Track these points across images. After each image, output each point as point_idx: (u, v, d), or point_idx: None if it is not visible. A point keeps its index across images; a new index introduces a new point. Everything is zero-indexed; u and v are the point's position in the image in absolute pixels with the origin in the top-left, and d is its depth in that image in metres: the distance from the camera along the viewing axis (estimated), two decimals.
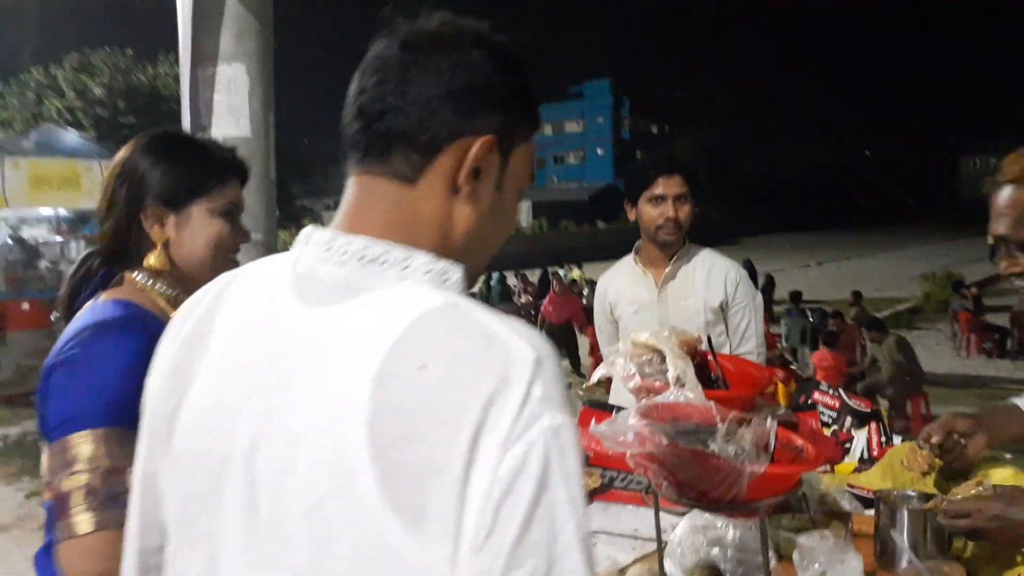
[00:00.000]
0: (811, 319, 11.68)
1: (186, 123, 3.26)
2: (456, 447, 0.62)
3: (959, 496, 1.39)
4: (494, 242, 0.83)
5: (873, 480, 1.78)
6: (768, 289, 17.37)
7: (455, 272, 0.75)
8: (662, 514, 1.57)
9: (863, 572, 1.32)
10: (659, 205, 2.47)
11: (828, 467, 1.94)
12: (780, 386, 9.08)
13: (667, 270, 2.54)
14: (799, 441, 1.51)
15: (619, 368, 1.83)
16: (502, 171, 0.80)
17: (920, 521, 1.41)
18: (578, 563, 0.63)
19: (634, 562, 1.61)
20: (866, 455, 1.93)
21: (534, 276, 18.97)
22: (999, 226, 1.38)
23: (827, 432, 2.01)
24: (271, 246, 3.76)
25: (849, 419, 1.99)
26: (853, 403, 2.02)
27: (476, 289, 14.85)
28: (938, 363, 10.37)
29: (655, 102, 76.01)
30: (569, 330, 11.05)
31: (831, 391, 2.07)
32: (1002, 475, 1.56)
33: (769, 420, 1.52)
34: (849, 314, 11.30)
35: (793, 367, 9.84)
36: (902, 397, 8.00)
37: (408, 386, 0.64)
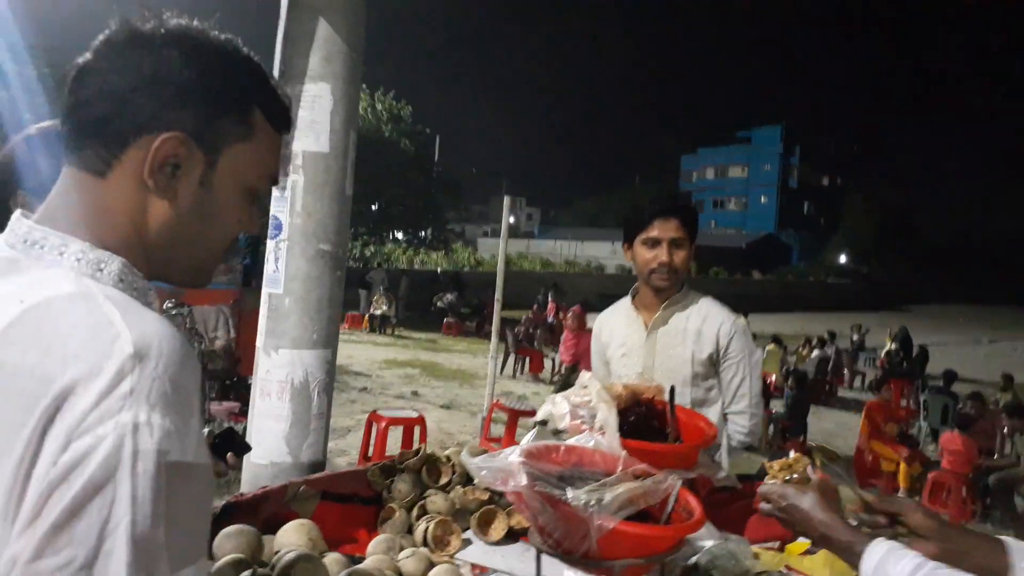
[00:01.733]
0: (956, 400, 10.62)
1: None
2: (24, 431, 0.65)
3: (773, 479, 1.39)
4: (206, 240, 0.84)
5: (816, 566, 1.62)
6: (920, 362, 16.02)
7: (111, 263, 0.77)
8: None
9: None
10: (653, 248, 2.38)
11: (777, 544, 1.78)
12: (903, 466, 8.38)
13: (658, 315, 2.44)
14: (695, 506, 1.42)
15: (557, 406, 1.79)
16: (209, 168, 0.82)
17: None
18: (122, 565, 0.62)
19: None
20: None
21: None
22: None
23: None
24: (340, 258, 3.97)
25: None
26: (814, 478, 1.84)
27: None
28: None
29: (829, 153, 72.50)
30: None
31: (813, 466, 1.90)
32: None
33: (670, 479, 1.44)
34: (1001, 399, 10.19)
35: (921, 448, 9.01)
36: None
37: None
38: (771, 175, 68.41)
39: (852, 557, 1.18)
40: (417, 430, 6.06)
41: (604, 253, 38.89)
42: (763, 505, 1.35)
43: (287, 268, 3.84)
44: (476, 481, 1.82)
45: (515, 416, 6.66)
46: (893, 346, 18.07)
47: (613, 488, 1.33)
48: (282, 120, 0.87)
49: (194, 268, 0.86)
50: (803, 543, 1.77)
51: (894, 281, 50.94)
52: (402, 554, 1.66)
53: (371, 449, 6.08)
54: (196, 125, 0.80)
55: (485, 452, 2.12)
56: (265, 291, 3.89)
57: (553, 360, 14.71)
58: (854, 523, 1.41)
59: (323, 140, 3.67)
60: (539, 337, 15.69)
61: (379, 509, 1.88)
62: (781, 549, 1.77)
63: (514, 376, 14.04)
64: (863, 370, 17.61)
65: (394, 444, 6.20)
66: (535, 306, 19.54)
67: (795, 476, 1.38)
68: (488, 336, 7.88)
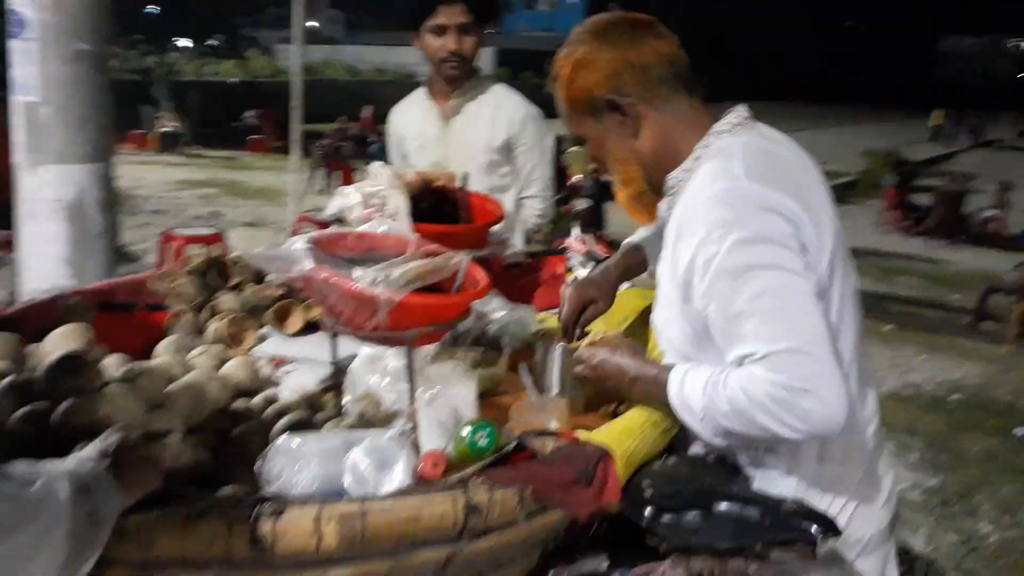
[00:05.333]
0: None
1: None
2: None
3: (584, 342, 1.45)
4: None
5: (595, 325, 1.77)
6: None
7: None
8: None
9: (475, 399, 1.33)
10: (440, 36, 2.29)
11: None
12: None
13: (451, 103, 2.40)
14: (480, 277, 1.47)
15: (348, 198, 1.75)
16: None
17: (569, 360, 1.42)
18: None
19: (323, 391, 1.59)
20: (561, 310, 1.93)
21: None
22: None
23: (570, 277, 1.98)
24: (102, 59, 3.49)
25: (591, 265, 1.97)
26: (596, 249, 1.99)
27: None
28: (857, 237, 10.56)
29: None
30: None
31: (582, 236, 2.03)
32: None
33: (459, 256, 1.47)
34: None
35: None
36: None
37: None
38: None
39: (661, 390, 1.27)
40: (218, 248, 5.80)
41: (415, 59, 37.19)
42: (579, 368, 1.40)
43: (42, 72, 3.34)
44: (267, 277, 1.78)
45: (322, 227, 6.53)
46: None
47: (401, 266, 1.35)
48: None
49: None
50: None
51: (702, 79, 53.28)
52: (193, 351, 1.62)
53: None
54: None
55: None
56: (17, 100, 3.39)
57: (364, 173, 14.36)
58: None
59: None
60: (349, 150, 15.17)
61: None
62: None
63: (323, 192, 13.64)
64: None
65: None
66: (343, 117, 18.67)
67: (604, 339, 1.43)
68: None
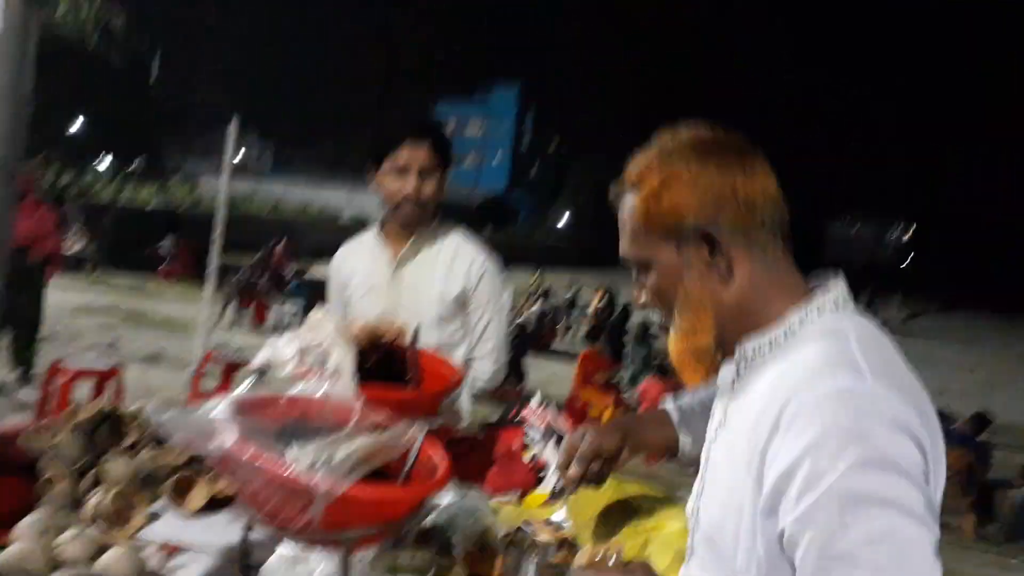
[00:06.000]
0: (651, 349, 11.86)
1: None
2: None
3: (582, 560, 1.15)
4: None
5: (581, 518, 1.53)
6: (624, 316, 17.66)
7: None
8: None
9: None
10: (401, 176, 2.14)
11: (516, 496, 1.68)
12: (608, 411, 9.14)
13: (407, 249, 2.22)
14: (437, 460, 1.23)
15: (281, 350, 1.50)
16: None
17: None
18: None
19: None
20: (558, 487, 1.68)
21: None
22: (622, 245, 1.16)
23: (527, 456, 1.75)
24: (12, 171, 3.21)
25: (552, 443, 1.75)
26: (558, 424, 1.78)
27: None
28: None
29: (564, 117, 76.83)
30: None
31: (542, 407, 1.82)
32: (671, 529, 1.33)
33: (412, 430, 1.23)
34: None
35: (624, 396, 9.90)
36: None
37: None
38: (506, 137, 70.98)
39: None
40: (113, 385, 5.28)
41: (341, 201, 37.59)
42: None
43: None
44: (170, 441, 1.49)
45: (231, 369, 6.09)
46: (601, 302, 19.75)
47: (345, 444, 1.10)
48: None
49: None
50: (541, 494, 1.69)
51: (602, 241, 55.96)
52: (61, 537, 1.29)
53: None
54: None
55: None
56: None
57: (278, 312, 13.94)
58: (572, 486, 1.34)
59: None
60: (263, 286, 14.79)
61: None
62: (520, 501, 1.67)
63: (233, 327, 13.10)
64: (574, 324, 19.10)
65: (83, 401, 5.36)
66: (261, 252, 18.38)
67: (607, 556, 1.17)
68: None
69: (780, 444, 0.94)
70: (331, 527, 1.04)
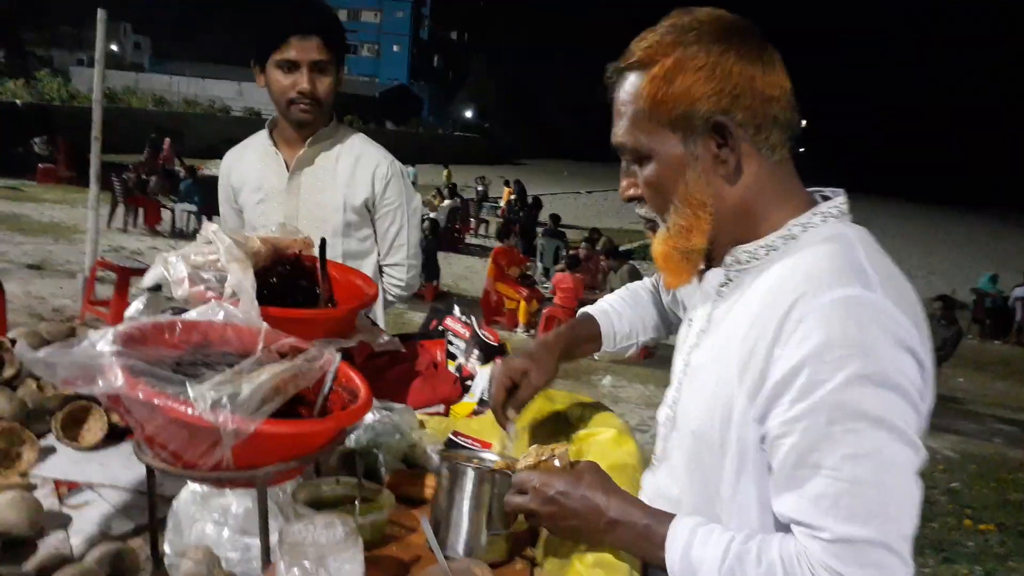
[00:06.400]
0: (565, 242, 11.97)
1: None
2: None
3: (527, 463, 1.08)
4: None
5: (484, 427, 1.48)
6: (534, 209, 17.70)
7: None
8: None
9: None
10: (291, 73, 1.94)
11: (443, 408, 1.63)
12: (522, 304, 9.25)
13: (302, 153, 2.05)
14: (358, 383, 1.15)
15: (172, 268, 1.36)
16: None
17: (488, 487, 1.09)
18: None
19: (132, 533, 1.18)
20: (486, 396, 1.64)
21: None
22: (616, 130, 1.04)
23: (452, 366, 1.70)
24: None
25: (476, 352, 1.69)
26: (483, 333, 1.72)
27: None
28: None
29: (461, 7, 73.91)
30: None
31: (464, 318, 1.76)
32: (604, 438, 1.31)
33: (327, 353, 1.14)
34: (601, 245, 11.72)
35: (538, 286, 10.03)
36: None
37: None
38: (403, 23, 67.85)
39: (651, 546, 0.97)
40: None
41: (230, 94, 35.40)
42: (516, 498, 1.05)
43: None
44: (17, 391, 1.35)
45: (126, 275, 5.75)
46: (512, 196, 19.67)
47: (252, 376, 1.00)
48: None
49: None
50: (469, 403, 1.64)
51: (511, 137, 55.29)
52: None
53: None
54: None
55: (71, 336, 1.62)
56: None
57: (172, 212, 13.24)
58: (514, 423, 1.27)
59: None
60: (154, 185, 13.95)
61: None
62: (446, 413, 1.62)
63: (125, 229, 12.40)
64: (487, 218, 19.01)
65: None
66: (148, 150, 17.25)
67: (552, 458, 1.07)
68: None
69: (781, 351, 0.89)
70: (242, 466, 0.95)
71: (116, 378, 0.92)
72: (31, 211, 12.52)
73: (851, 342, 0.86)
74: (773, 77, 0.97)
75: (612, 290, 6.20)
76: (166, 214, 13.28)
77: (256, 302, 1.25)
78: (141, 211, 12.78)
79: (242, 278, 1.28)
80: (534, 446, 1.11)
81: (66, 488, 1.28)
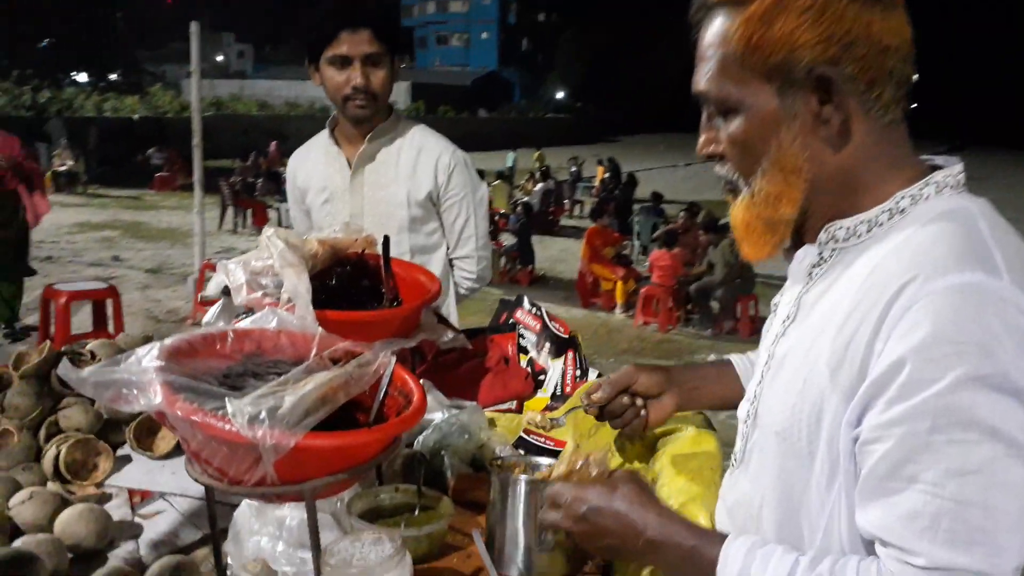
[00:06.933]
0: (664, 218, 11.67)
1: None
2: None
3: (559, 472, 0.98)
4: None
5: (562, 429, 1.40)
6: (630, 187, 17.36)
7: None
8: None
9: None
10: (344, 69, 1.90)
11: (515, 404, 1.56)
12: (619, 284, 9.06)
13: (362, 150, 2.01)
14: (412, 387, 1.09)
15: (231, 275, 1.35)
16: None
17: (541, 498, 1.01)
18: None
19: (199, 542, 1.18)
20: (559, 391, 1.56)
21: None
22: (699, 77, 0.89)
23: (524, 360, 1.62)
24: None
25: (548, 345, 1.61)
26: (553, 326, 1.64)
27: None
28: (779, 265, 10.58)
29: None
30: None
31: (534, 310, 1.68)
32: (683, 436, 1.20)
33: (381, 356, 1.09)
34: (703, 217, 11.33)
35: (634, 265, 9.79)
36: (733, 298, 8.07)
37: None
38: (490, 10, 67.93)
39: (699, 571, 0.86)
40: (110, 304, 5.19)
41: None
42: (550, 515, 0.95)
43: None
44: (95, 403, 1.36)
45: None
46: (606, 175, 19.36)
47: (297, 386, 0.96)
48: None
49: None
50: (542, 398, 1.57)
51: (605, 115, 54.50)
52: (15, 498, 1.18)
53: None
54: None
55: (118, 352, 1.64)
56: None
57: (279, 211, 13.74)
58: (592, 413, 1.16)
59: None
60: (260, 187, 14.52)
61: None
62: (519, 409, 1.55)
63: (235, 231, 12.95)
64: (581, 199, 18.81)
65: (84, 324, 5.30)
66: (253, 153, 17.97)
67: (587, 464, 0.98)
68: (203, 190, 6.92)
69: (883, 345, 0.76)
70: (288, 481, 0.92)
71: (155, 395, 0.90)
72: (149, 218, 13.28)
73: (966, 337, 0.72)
74: (893, 22, 0.82)
75: (711, 266, 5.93)
76: (273, 214, 13.79)
77: (311, 307, 1.22)
78: (249, 213, 13.32)
79: (296, 283, 1.25)
80: (569, 449, 1.02)
81: (139, 497, 1.30)
